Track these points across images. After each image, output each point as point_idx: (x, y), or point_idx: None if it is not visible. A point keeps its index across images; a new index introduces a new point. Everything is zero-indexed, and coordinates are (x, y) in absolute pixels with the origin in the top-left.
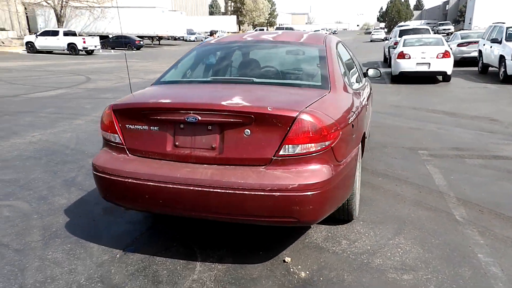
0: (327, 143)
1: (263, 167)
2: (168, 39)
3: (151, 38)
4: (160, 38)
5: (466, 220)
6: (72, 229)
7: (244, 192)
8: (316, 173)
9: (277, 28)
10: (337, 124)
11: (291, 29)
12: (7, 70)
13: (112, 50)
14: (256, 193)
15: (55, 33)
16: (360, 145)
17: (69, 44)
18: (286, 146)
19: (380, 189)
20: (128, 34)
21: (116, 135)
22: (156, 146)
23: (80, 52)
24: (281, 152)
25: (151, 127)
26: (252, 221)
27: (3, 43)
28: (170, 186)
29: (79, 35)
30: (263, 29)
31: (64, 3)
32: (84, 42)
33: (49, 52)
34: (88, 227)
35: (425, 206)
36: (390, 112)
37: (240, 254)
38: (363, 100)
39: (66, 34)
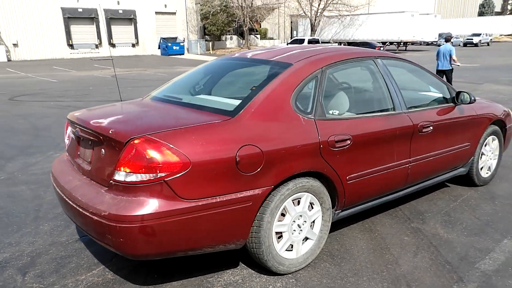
0: (159, 175)
1: (105, 188)
2: (420, 44)
3: (397, 43)
4: (405, 43)
5: None
6: None
7: (79, 209)
8: (135, 205)
9: None
10: (185, 156)
11: None
12: None
13: None
14: (85, 212)
15: (301, 41)
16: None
17: None
18: (118, 171)
19: None
20: (369, 40)
21: (66, 139)
22: (72, 153)
23: None
24: (115, 177)
25: (72, 137)
26: (95, 239)
27: None
28: (59, 191)
29: (327, 42)
30: None
31: (318, 13)
32: None
33: None
34: None
35: None
36: None
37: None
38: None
39: (310, 41)
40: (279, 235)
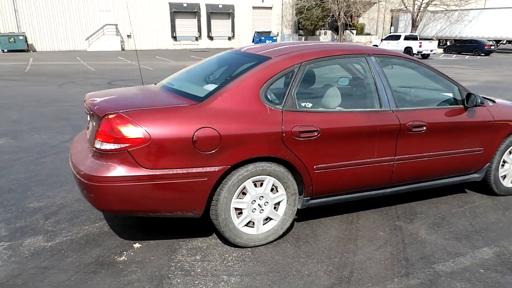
0: (121, 145)
1: (91, 154)
2: None
3: None
4: None
5: None
6: None
7: (72, 168)
8: (104, 168)
9: None
10: (148, 132)
11: None
12: None
13: (453, 55)
14: (74, 171)
15: (397, 37)
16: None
17: (405, 48)
18: (96, 140)
19: None
20: (480, 38)
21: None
22: (87, 125)
23: (415, 56)
24: (95, 145)
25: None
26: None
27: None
28: (70, 153)
29: (431, 39)
30: None
31: (421, 8)
32: (420, 46)
33: None
34: None
35: None
36: None
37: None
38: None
39: (407, 38)
40: (239, 211)
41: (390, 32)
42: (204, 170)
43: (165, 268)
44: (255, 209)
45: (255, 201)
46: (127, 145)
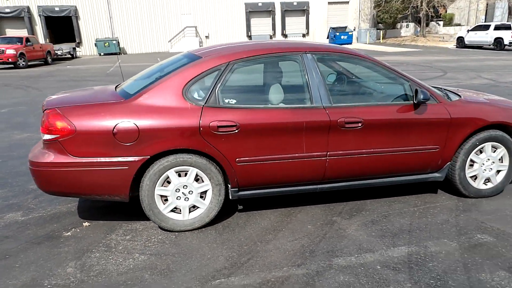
0: (54, 136)
1: (42, 145)
2: None
3: None
4: None
5: None
6: None
7: None
8: (42, 155)
9: None
10: (74, 125)
11: None
12: (401, 63)
13: None
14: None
15: (486, 28)
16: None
17: (495, 39)
18: (41, 132)
19: None
20: None
21: None
22: None
23: (507, 47)
24: (42, 137)
25: None
26: None
27: (443, 38)
28: None
29: None
30: None
31: None
32: None
33: (479, 47)
34: None
35: None
36: None
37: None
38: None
39: (497, 28)
40: (165, 198)
41: (481, 22)
42: (125, 160)
43: (94, 244)
44: (179, 197)
45: (179, 189)
46: (58, 135)
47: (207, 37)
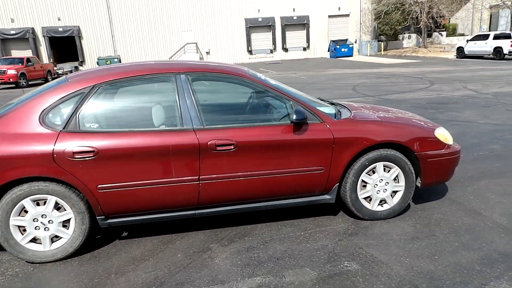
0: None
1: None
2: None
3: None
4: None
5: None
6: None
7: None
8: None
9: None
10: None
11: None
12: (393, 75)
13: None
14: None
15: (485, 37)
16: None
17: (495, 48)
18: None
19: None
20: None
21: None
22: None
23: (507, 57)
24: None
25: None
26: None
27: (444, 48)
28: None
29: None
30: None
31: None
32: None
33: (479, 57)
34: None
35: None
36: None
37: None
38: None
39: (497, 37)
40: (23, 228)
41: (482, 31)
42: None
43: None
44: (38, 226)
45: (37, 219)
46: None
47: (207, 52)
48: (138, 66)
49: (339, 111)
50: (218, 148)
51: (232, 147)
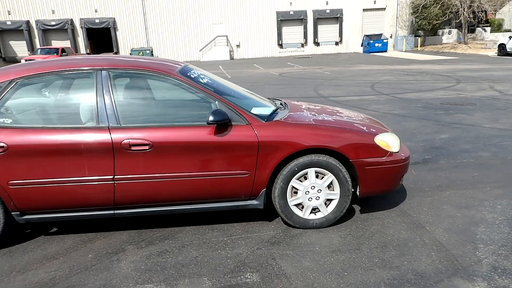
0: None
1: None
2: None
3: None
4: None
5: None
6: None
7: None
8: None
9: None
10: None
11: None
12: (421, 72)
13: None
14: None
15: None
16: None
17: None
18: None
19: None
20: None
21: None
22: None
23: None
24: None
25: None
26: None
27: (486, 45)
28: None
29: None
30: None
31: None
32: None
33: None
34: None
35: None
36: None
37: None
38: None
39: None
40: None
41: None
42: None
43: None
44: None
45: None
46: None
47: (238, 45)
48: (61, 61)
49: (276, 113)
50: (133, 148)
51: (147, 147)
